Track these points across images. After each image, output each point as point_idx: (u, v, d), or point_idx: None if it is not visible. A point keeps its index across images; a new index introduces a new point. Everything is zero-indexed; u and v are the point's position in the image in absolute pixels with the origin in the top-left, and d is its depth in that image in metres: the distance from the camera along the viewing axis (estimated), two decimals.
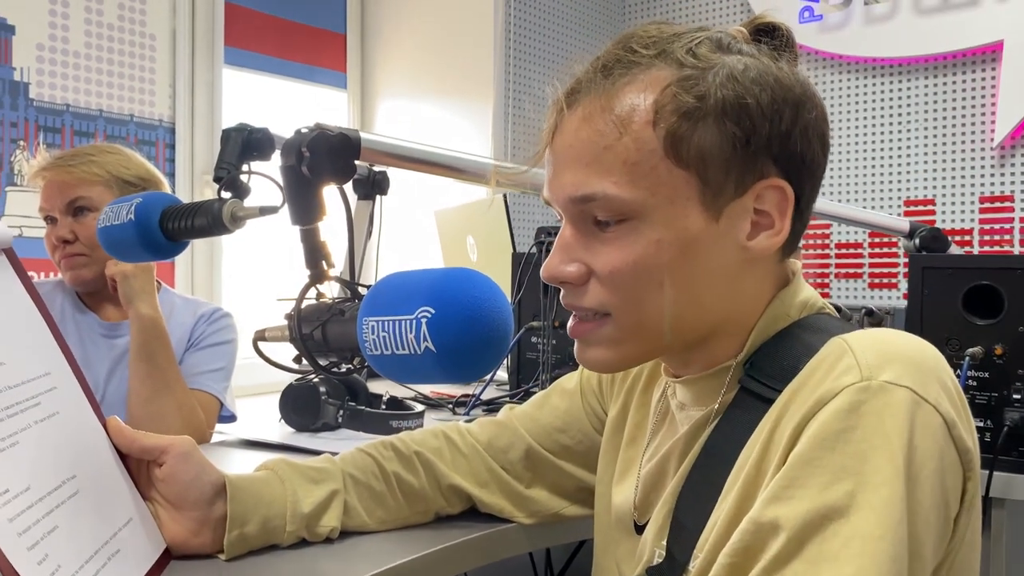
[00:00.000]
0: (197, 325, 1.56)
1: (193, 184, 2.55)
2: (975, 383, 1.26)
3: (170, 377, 1.42)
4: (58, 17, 2.26)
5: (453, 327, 0.69)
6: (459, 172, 1.02)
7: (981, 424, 1.26)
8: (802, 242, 0.75)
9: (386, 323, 0.72)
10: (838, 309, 1.52)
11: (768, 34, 0.72)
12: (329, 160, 0.83)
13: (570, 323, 0.72)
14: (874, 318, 1.38)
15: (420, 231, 2.57)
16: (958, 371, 1.26)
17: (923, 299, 1.29)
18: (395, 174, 1.40)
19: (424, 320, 0.69)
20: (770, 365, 0.67)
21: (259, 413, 1.69)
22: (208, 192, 2.56)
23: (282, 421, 1.48)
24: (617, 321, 0.69)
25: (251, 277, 2.74)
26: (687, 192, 0.65)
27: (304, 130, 0.85)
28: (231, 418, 1.58)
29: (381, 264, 1.84)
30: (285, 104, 2.84)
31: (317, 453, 1.31)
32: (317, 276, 0.86)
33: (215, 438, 1.48)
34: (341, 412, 1.37)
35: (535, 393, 1.69)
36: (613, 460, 0.87)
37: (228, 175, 1.05)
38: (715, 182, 0.66)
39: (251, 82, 2.74)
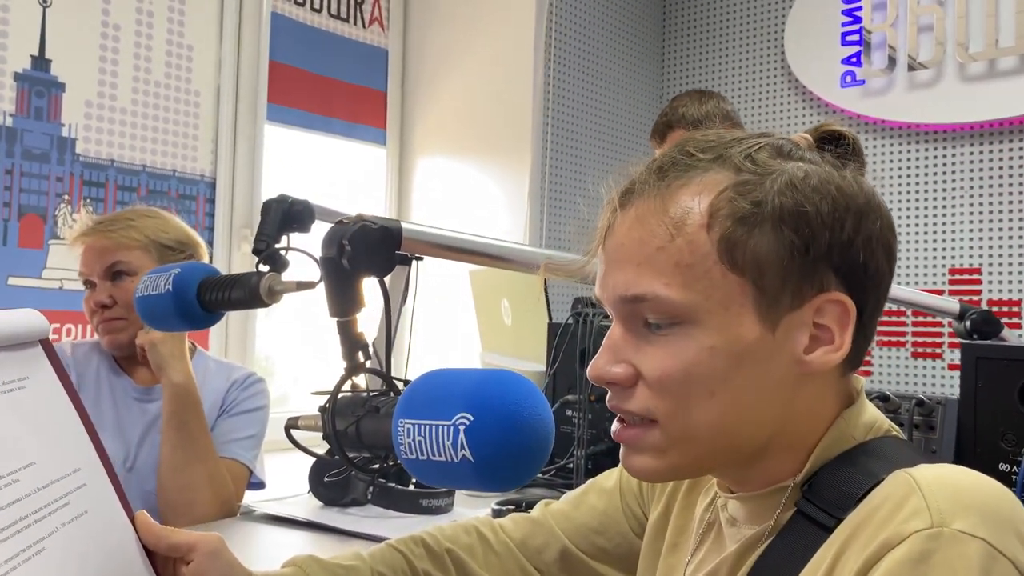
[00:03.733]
0: (230, 391, 1.55)
1: (231, 239, 2.58)
2: None
3: (201, 447, 1.41)
4: (107, 75, 2.31)
5: (492, 436, 0.66)
6: (504, 261, 1.01)
7: None
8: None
9: (422, 427, 0.69)
10: (886, 398, 1.47)
11: (833, 142, 0.70)
12: (369, 254, 0.82)
13: (615, 426, 0.70)
14: (924, 408, 1.33)
15: (454, 290, 2.55)
16: (1015, 468, 1.20)
17: (976, 390, 1.24)
18: None
19: (462, 427, 0.67)
20: (830, 490, 0.64)
21: (288, 477, 1.66)
22: (245, 247, 2.58)
23: (310, 493, 1.46)
24: (664, 429, 0.66)
25: (285, 334, 2.75)
26: (741, 299, 0.63)
27: (345, 221, 0.84)
28: (260, 485, 1.56)
29: (413, 326, 1.82)
30: (325, 159, 2.87)
31: (344, 532, 1.29)
32: (353, 369, 0.84)
33: (241, 507, 1.46)
34: (371, 489, 1.34)
35: (569, 468, 1.66)
36: (653, 566, 0.83)
37: (267, 248, 1.04)
38: (771, 290, 0.63)
39: (292, 138, 2.77)
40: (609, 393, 0.69)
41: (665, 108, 2.07)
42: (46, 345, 0.76)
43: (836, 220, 0.64)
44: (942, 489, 0.55)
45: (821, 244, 0.63)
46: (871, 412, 0.70)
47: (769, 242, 0.63)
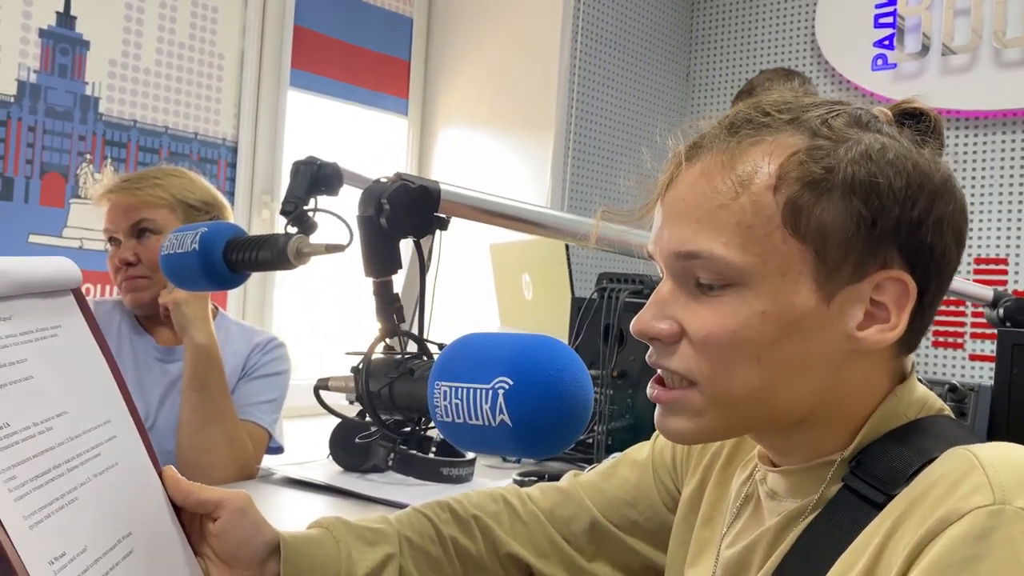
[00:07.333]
0: (252, 354, 1.55)
1: (251, 204, 2.56)
2: None
3: (222, 408, 1.40)
4: (132, 34, 2.29)
5: (531, 401, 0.65)
6: (543, 228, 0.99)
7: None
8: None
9: (460, 390, 0.68)
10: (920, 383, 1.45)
11: (914, 119, 0.67)
12: (409, 214, 0.80)
13: (651, 388, 0.68)
14: (957, 395, 1.31)
15: (474, 263, 2.54)
16: None
17: (1012, 378, 1.22)
18: None
19: (501, 391, 0.65)
20: (879, 466, 0.62)
21: (307, 441, 1.66)
22: (265, 213, 2.57)
23: (330, 458, 1.45)
24: (703, 391, 0.65)
25: (303, 300, 2.74)
26: (800, 267, 0.62)
27: (384, 179, 0.82)
28: (279, 450, 1.56)
29: (435, 293, 1.81)
30: (346, 128, 2.85)
31: (363, 497, 1.28)
32: (388, 330, 0.83)
33: (260, 471, 1.45)
34: (392, 455, 1.34)
35: (589, 443, 1.65)
36: (686, 540, 0.82)
37: (295, 209, 1.03)
38: (832, 261, 0.62)
39: (315, 104, 2.75)
40: (651, 349, 0.68)
41: (752, 79, 2.06)
42: (78, 295, 0.74)
43: (908, 197, 0.62)
44: (1005, 466, 0.54)
45: (890, 219, 0.61)
46: (922, 390, 0.68)
47: (836, 211, 0.61)
